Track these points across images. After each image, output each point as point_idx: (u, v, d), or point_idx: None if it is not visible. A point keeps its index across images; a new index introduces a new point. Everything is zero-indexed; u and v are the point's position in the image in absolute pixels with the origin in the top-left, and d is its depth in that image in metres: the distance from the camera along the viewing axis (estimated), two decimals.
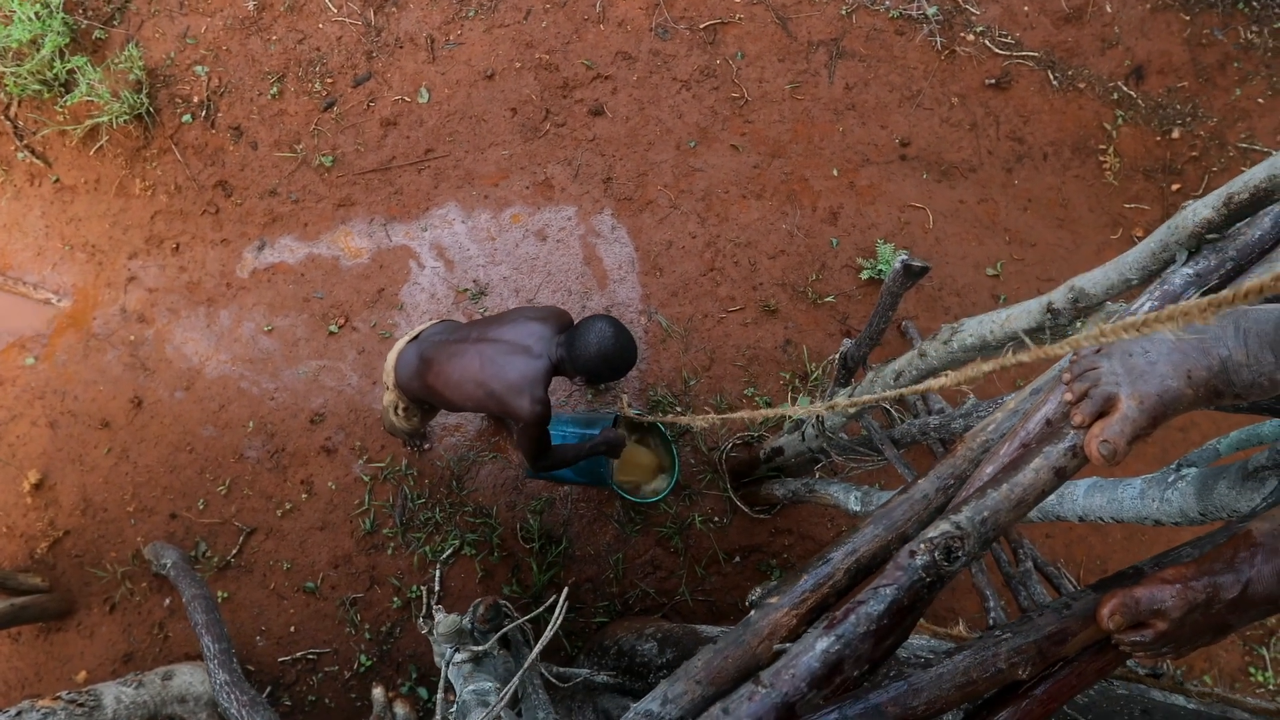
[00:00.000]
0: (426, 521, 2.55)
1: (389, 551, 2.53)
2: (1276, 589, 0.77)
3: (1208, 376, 0.79)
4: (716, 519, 2.56)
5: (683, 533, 2.55)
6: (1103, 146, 2.86)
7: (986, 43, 2.88)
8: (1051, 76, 2.88)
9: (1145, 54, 2.90)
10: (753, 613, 0.85)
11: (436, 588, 2.46)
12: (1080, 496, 1.38)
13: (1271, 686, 2.47)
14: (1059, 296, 1.19)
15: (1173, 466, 1.29)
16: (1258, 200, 0.92)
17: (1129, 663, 1.30)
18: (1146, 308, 0.95)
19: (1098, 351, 0.84)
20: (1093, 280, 1.14)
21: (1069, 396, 0.82)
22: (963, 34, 2.90)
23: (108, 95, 2.71)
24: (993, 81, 2.88)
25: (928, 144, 2.86)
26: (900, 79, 2.89)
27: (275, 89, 2.82)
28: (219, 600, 2.50)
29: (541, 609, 1.35)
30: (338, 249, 2.75)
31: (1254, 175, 0.92)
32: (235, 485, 2.58)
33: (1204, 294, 0.92)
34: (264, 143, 2.79)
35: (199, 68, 2.83)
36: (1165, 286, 0.97)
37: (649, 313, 2.71)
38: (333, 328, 2.69)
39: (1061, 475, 0.80)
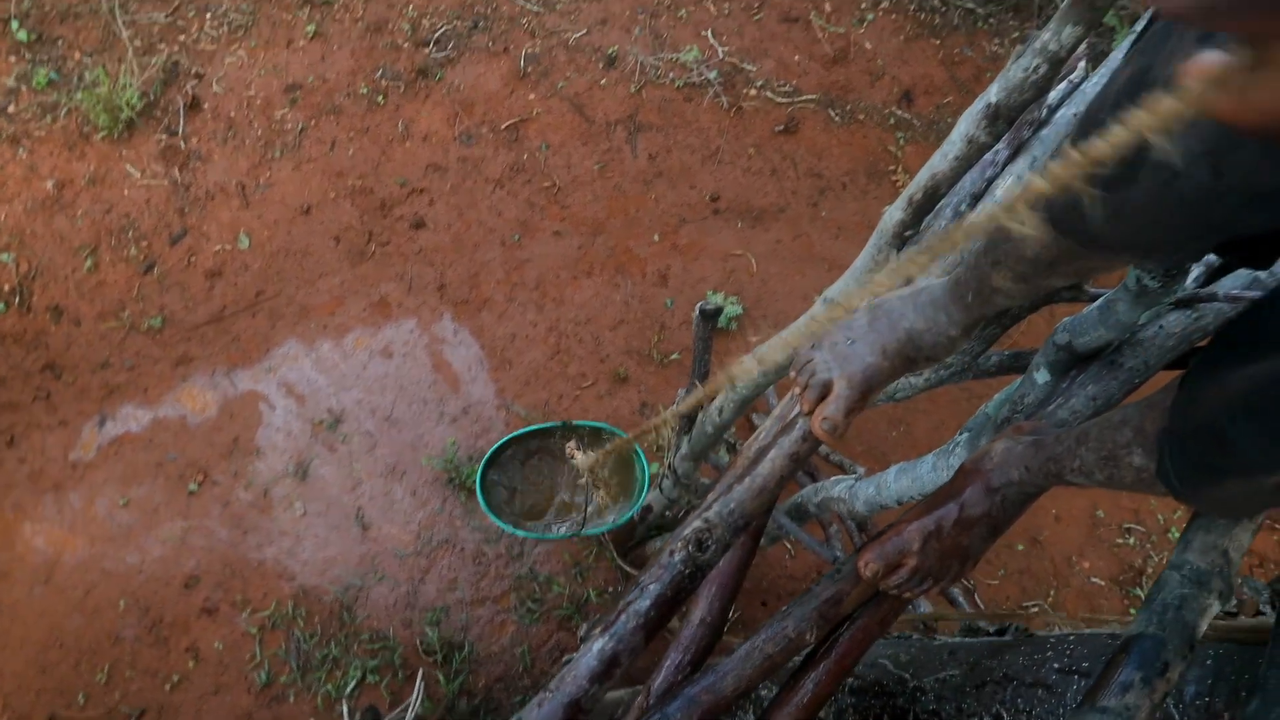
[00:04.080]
0: (324, 659, 2.58)
1: (290, 699, 2.55)
2: (982, 505, 0.96)
3: (899, 347, 0.99)
4: (610, 589, 2.68)
5: (580, 610, 2.66)
6: (892, 167, 3.19)
7: (768, 94, 3.20)
8: (833, 114, 3.21)
9: (910, 79, 3.26)
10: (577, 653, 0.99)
11: None
12: (892, 482, 1.58)
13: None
14: (817, 309, 1.40)
15: (957, 437, 1.51)
16: (931, 197, 1.14)
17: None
18: (864, 304, 1.15)
19: (813, 347, 1.03)
20: (836, 290, 1.35)
21: (795, 390, 1.01)
22: (745, 90, 3.21)
23: None
24: (781, 128, 3.18)
25: (736, 195, 3.13)
26: (698, 141, 3.16)
27: (90, 262, 2.89)
28: None
29: (413, 697, 1.45)
30: (183, 407, 2.81)
31: (921, 178, 1.14)
32: (115, 670, 2.57)
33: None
34: (87, 317, 2.85)
35: (4, 255, 2.88)
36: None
37: (506, 406, 2.85)
38: (192, 486, 2.73)
39: (797, 460, 0.97)
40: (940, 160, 1.06)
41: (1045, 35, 0.90)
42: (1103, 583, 2.78)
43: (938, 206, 1.17)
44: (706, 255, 3.07)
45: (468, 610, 2.65)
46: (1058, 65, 0.90)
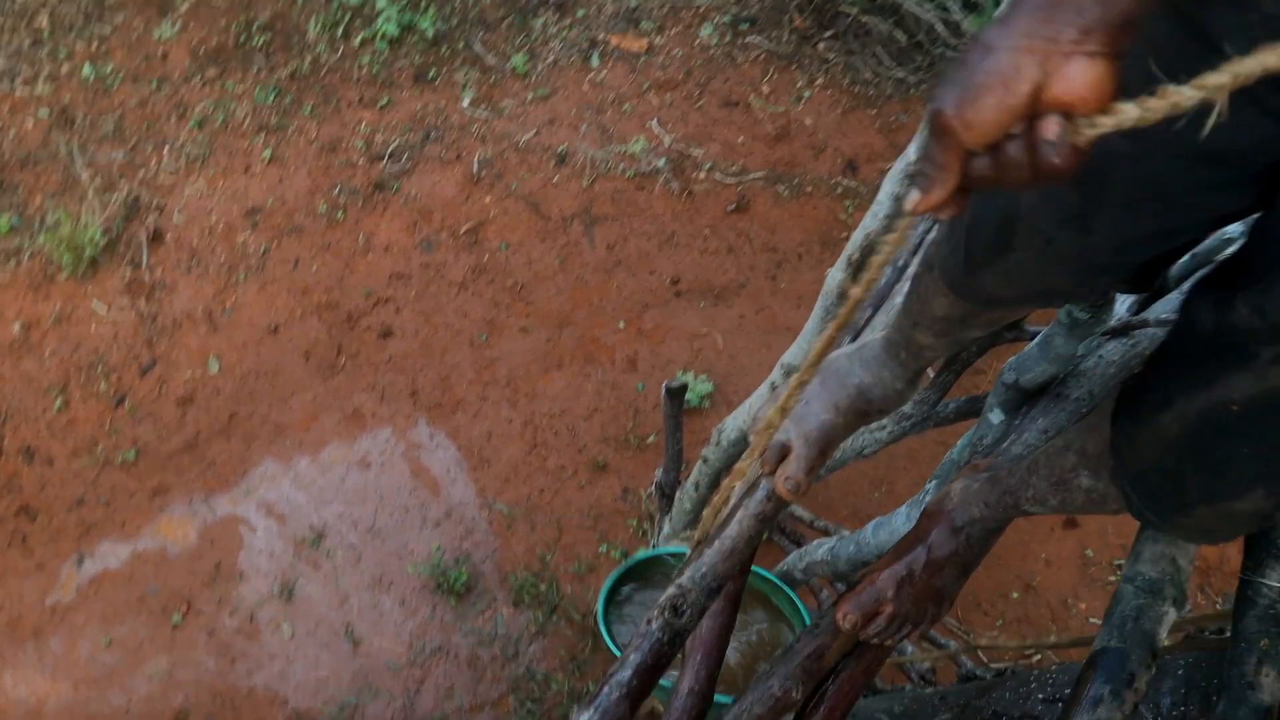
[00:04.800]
0: None
1: None
2: (949, 545, 1.00)
3: (850, 403, 1.04)
4: None
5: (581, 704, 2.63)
6: (844, 234, 3.29)
7: (717, 176, 3.31)
8: (781, 189, 3.33)
9: (851, 149, 3.40)
10: None
11: None
12: (870, 538, 1.60)
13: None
14: (776, 375, 1.45)
15: (927, 485, 1.54)
16: (869, 255, 1.20)
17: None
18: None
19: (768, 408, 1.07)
20: (793, 354, 1.40)
21: (756, 454, 1.04)
22: (694, 174, 3.33)
23: None
24: (733, 207, 3.29)
25: (696, 276, 3.22)
26: (653, 227, 3.26)
27: (60, 401, 2.91)
28: None
29: None
30: (162, 538, 2.80)
31: (856, 238, 1.21)
32: None
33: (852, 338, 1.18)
34: (59, 456, 2.85)
35: None
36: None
37: (488, 505, 2.86)
38: (175, 618, 2.70)
39: (764, 520, 1.01)
40: (872, 220, 1.13)
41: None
42: (1101, 622, 2.78)
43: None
44: (673, 337, 3.13)
45: (466, 718, 2.61)
46: None
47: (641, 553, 1.89)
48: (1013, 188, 0.49)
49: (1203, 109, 0.46)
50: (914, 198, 0.52)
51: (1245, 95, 0.55)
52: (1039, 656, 2.76)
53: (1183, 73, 0.46)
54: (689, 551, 1.11)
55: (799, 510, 2.72)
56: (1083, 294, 0.85)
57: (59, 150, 3.26)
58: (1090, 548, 2.90)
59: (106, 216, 3.12)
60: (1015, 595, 2.84)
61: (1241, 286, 0.63)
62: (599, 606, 1.81)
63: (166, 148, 3.32)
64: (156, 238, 3.15)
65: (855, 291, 0.63)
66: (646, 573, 2.00)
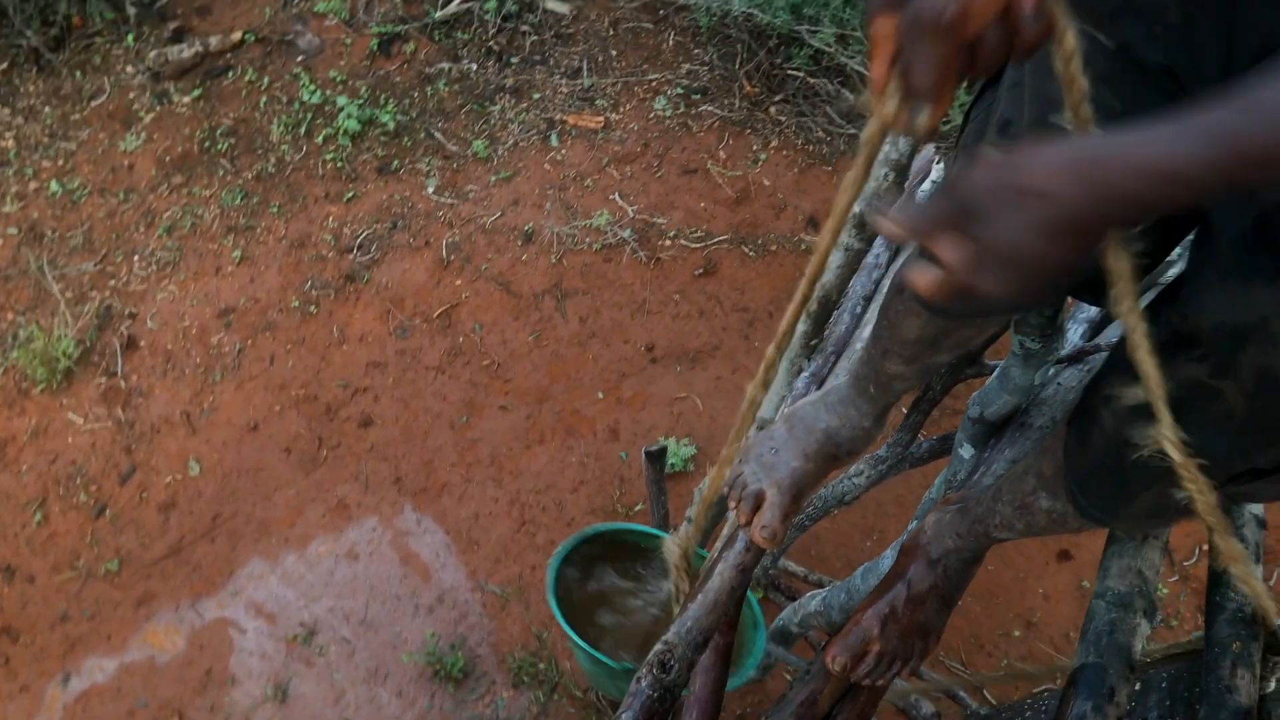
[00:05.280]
0: None
1: None
2: (928, 579, 1.02)
3: (819, 448, 1.06)
4: None
5: None
6: None
7: (682, 242, 3.38)
8: (746, 250, 3.39)
9: (810, 206, 3.49)
10: None
11: None
12: (859, 584, 1.61)
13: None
14: (750, 431, 1.47)
15: (910, 526, 1.56)
16: (826, 306, 1.24)
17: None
18: (780, 413, 1.23)
19: (741, 462, 1.10)
20: (766, 408, 1.43)
21: (731, 505, 1.07)
22: (660, 242, 3.39)
23: None
24: (701, 271, 3.35)
25: (670, 341, 3.26)
26: (624, 297, 3.31)
27: (39, 516, 2.89)
28: None
29: None
30: (150, 648, 2.76)
31: (816, 289, 1.24)
32: None
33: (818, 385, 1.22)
34: (40, 573, 2.82)
35: None
36: (794, 392, 1.26)
37: (480, 587, 2.84)
38: None
39: (744, 571, 1.02)
40: (826, 272, 1.17)
41: (886, 148, 1.02)
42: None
43: (835, 313, 1.27)
44: (652, 404, 3.16)
45: None
46: (903, 171, 1.02)
47: (599, 525, 1.82)
48: (986, 73, 0.54)
49: None
50: (925, 114, 0.56)
51: (1162, 96, 0.61)
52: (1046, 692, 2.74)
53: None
54: (667, 537, 1.14)
55: (792, 565, 2.72)
56: (1044, 301, 0.90)
57: (29, 266, 3.29)
58: (1086, 578, 2.90)
59: (79, 328, 3.14)
60: (1017, 634, 2.83)
61: (1169, 300, 0.68)
62: (549, 578, 1.73)
63: (136, 256, 3.35)
64: (130, 345, 3.16)
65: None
66: (613, 551, 1.88)
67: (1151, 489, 0.73)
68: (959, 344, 0.91)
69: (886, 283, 1.25)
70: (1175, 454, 0.59)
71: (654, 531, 1.79)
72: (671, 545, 1.07)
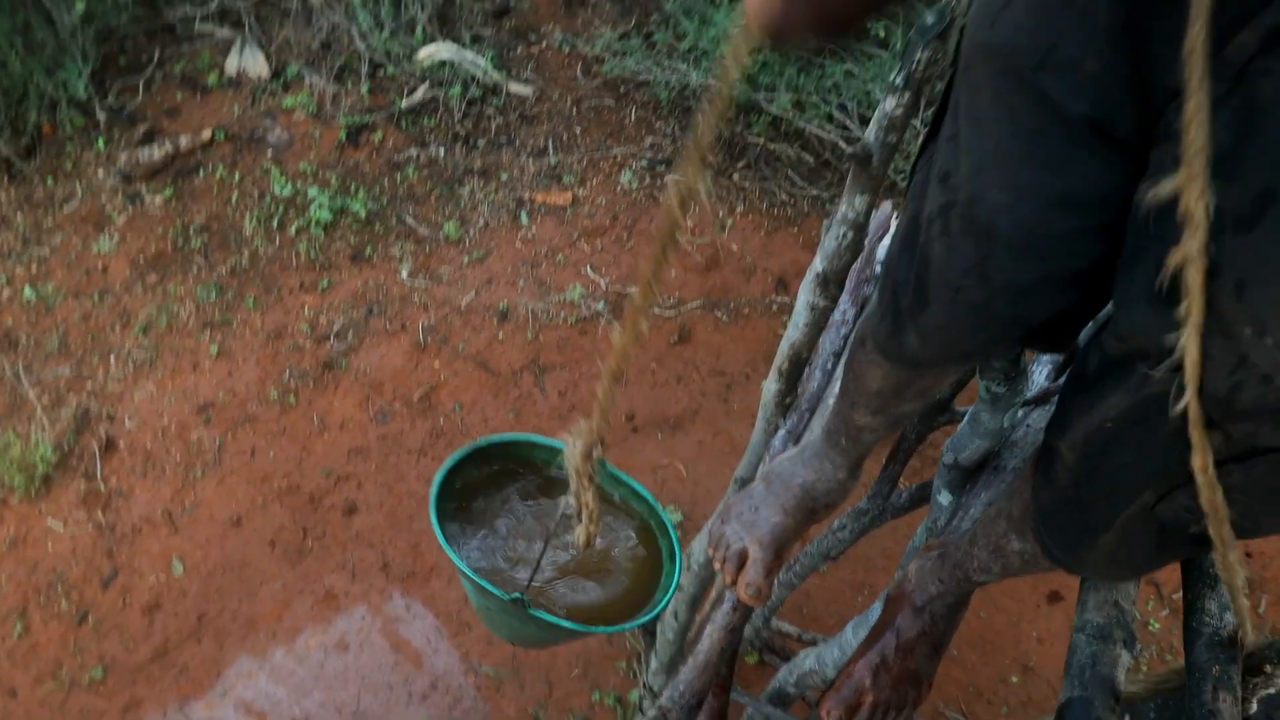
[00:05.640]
0: None
1: None
2: (916, 626, 1.03)
3: (797, 502, 1.09)
4: None
5: None
6: None
7: (656, 311, 3.44)
8: (720, 315, 3.45)
9: (779, 268, 3.56)
10: None
11: None
12: (851, 638, 1.62)
13: None
14: (730, 491, 1.49)
15: (896, 575, 1.57)
16: (797, 364, 1.28)
17: None
18: (760, 472, 1.25)
19: (723, 522, 1.12)
20: (744, 467, 1.46)
21: (716, 566, 1.08)
22: None
23: None
24: (676, 338, 3.40)
25: (650, 409, 3.29)
26: (601, 369, 3.34)
27: (20, 627, 2.84)
28: None
29: None
30: None
31: (782, 349, 1.28)
32: None
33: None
34: (23, 686, 2.76)
35: None
36: (772, 449, 1.29)
37: (473, 669, 2.81)
38: None
39: (733, 631, 1.04)
40: (794, 330, 1.21)
41: (843, 207, 1.07)
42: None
43: (807, 371, 1.31)
44: (635, 472, 3.16)
45: None
46: (860, 229, 1.06)
47: (492, 437, 1.54)
48: None
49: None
50: None
51: (1086, 147, 0.65)
52: None
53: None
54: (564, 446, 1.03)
55: (786, 626, 2.72)
56: (997, 349, 0.93)
57: (4, 373, 3.29)
58: None
59: (57, 433, 3.13)
60: (1015, 679, 2.82)
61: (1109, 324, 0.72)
62: (432, 493, 1.42)
63: (113, 356, 3.36)
64: (109, 446, 3.15)
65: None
66: (512, 470, 1.56)
67: (1110, 528, 0.76)
68: (921, 393, 0.94)
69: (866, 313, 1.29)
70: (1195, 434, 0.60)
71: (558, 444, 1.49)
72: (571, 444, 1.00)
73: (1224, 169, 0.53)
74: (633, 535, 1.56)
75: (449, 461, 1.47)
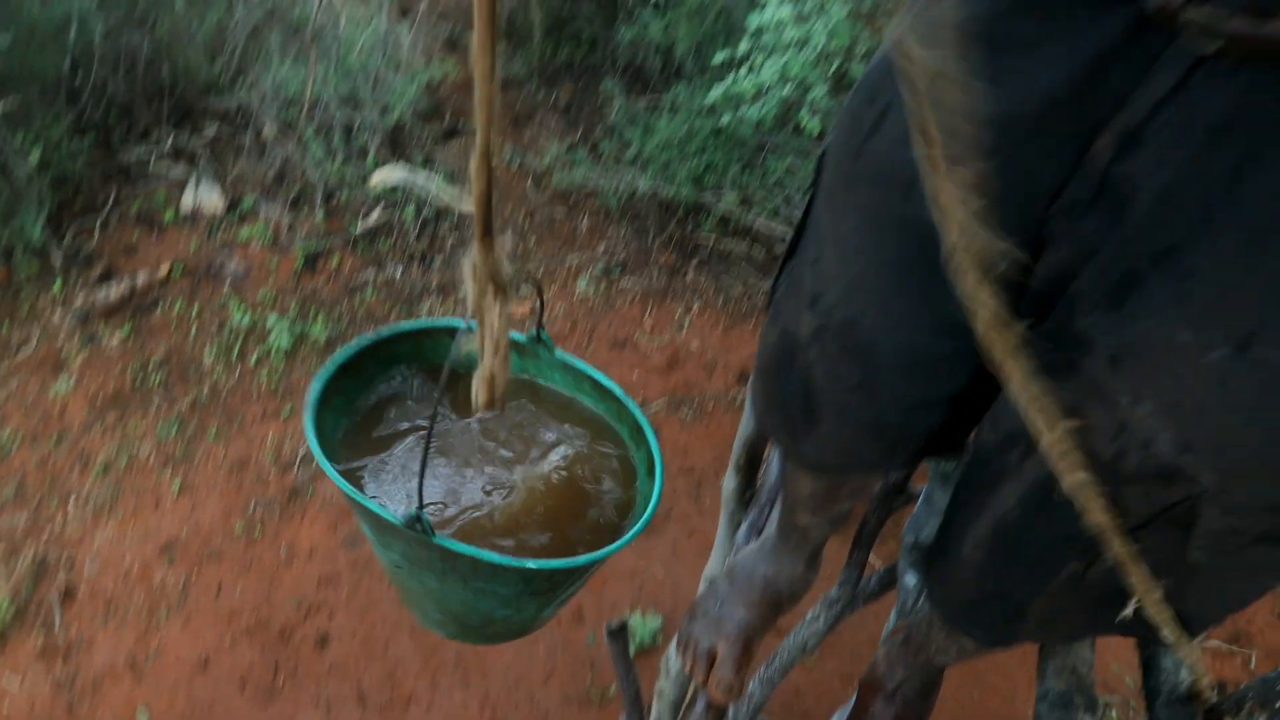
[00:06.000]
0: None
1: None
2: (890, 710, 1.03)
3: (761, 596, 1.09)
4: None
5: None
6: None
7: None
8: (684, 413, 3.47)
9: (739, 362, 3.60)
10: None
11: None
12: None
13: None
14: (702, 589, 1.49)
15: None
16: (752, 458, 1.29)
17: None
18: (724, 568, 1.25)
19: (691, 622, 1.12)
20: (713, 566, 1.45)
21: (686, 668, 1.08)
22: None
23: None
24: None
25: None
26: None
27: None
28: None
29: None
30: None
31: (736, 445, 1.30)
32: None
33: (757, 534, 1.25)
34: None
35: None
36: (736, 544, 1.29)
37: None
38: None
39: None
40: (746, 424, 1.23)
41: None
42: None
43: (764, 465, 1.32)
44: (613, 581, 3.14)
45: None
46: None
47: (367, 335, 1.17)
48: None
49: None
50: None
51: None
52: None
53: None
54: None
55: None
56: (895, 460, 0.93)
57: None
58: None
59: (13, 584, 3.05)
60: None
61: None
62: (310, 399, 1.07)
63: (72, 500, 3.31)
64: (68, 595, 3.08)
65: None
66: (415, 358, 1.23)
67: (1041, 595, 0.76)
68: (855, 492, 0.96)
69: None
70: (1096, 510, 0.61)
71: (442, 323, 1.21)
72: (466, 265, 0.75)
73: (1093, 255, 0.56)
74: (602, 447, 1.16)
75: (325, 369, 1.12)
